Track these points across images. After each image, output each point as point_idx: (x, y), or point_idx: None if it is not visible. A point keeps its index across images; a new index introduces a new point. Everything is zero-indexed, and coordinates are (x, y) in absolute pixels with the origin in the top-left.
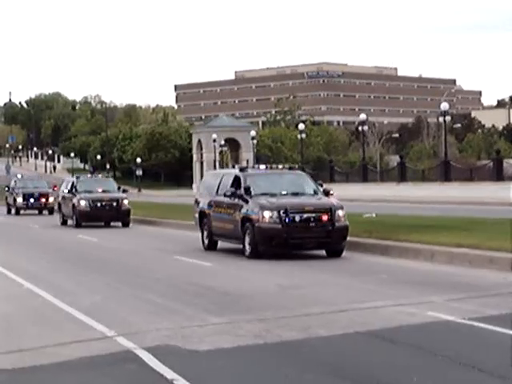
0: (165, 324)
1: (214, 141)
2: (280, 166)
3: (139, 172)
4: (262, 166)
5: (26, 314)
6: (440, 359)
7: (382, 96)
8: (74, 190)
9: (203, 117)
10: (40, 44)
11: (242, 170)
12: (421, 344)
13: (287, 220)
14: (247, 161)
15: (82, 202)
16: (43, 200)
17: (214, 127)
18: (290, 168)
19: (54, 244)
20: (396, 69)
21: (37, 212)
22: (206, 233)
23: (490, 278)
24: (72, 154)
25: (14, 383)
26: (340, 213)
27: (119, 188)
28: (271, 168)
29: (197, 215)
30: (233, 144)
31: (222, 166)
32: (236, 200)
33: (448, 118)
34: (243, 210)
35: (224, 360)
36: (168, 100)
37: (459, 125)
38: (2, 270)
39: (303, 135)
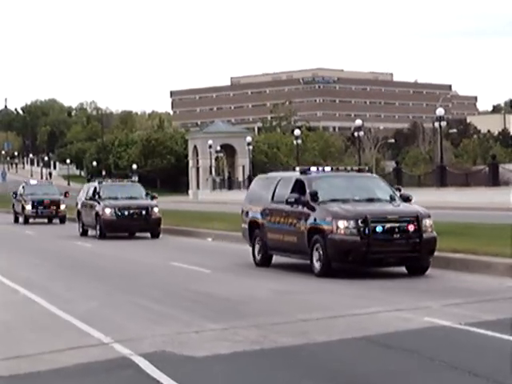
0: (161, 330)
1: (210, 147)
2: (348, 168)
3: (135, 178)
4: (327, 168)
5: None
6: (437, 364)
7: (377, 101)
8: (96, 196)
9: (199, 123)
10: (36, 51)
11: (303, 172)
12: (417, 349)
13: (367, 231)
14: (243, 167)
15: (107, 210)
16: (54, 208)
17: (209, 133)
18: (360, 170)
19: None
20: (392, 74)
21: (46, 221)
22: (258, 246)
23: (486, 284)
24: (68, 161)
25: None
26: (427, 222)
27: (147, 194)
28: (337, 170)
29: (246, 225)
30: (229, 150)
31: (217, 173)
32: (300, 208)
33: (444, 124)
34: (310, 220)
35: (221, 366)
36: (164, 106)
37: (455, 130)
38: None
39: (299, 141)
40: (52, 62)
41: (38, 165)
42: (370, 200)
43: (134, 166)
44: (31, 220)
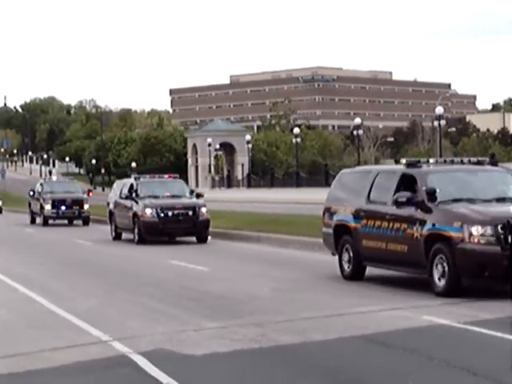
0: (160, 328)
1: (209, 145)
2: (465, 160)
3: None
4: (440, 160)
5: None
6: (435, 363)
7: (376, 100)
8: (133, 194)
9: (198, 121)
10: (35, 48)
11: (411, 165)
12: (416, 348)
13: (510, 239)
14: (242, 165)
15: (148, 211)
16: (77, 208)
17: (208, 131)
18: (479, 162)
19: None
20: (391, 73)
21: (66, 222)
22: (347, 255)
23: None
24: (67, 159)
25: None
26: None
27: (192, 192)
28: (452, 162)
29: (330, 230)
30: (228, 148)
31: (217, 171)
32: (412, 210)
33: (443, 122)
34: (428, 225)
35: (219, 364)
36: (163, 104)
37: (454, 129)
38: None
39: (298, 139)
40: (51, 60)
41: (37, 163)
42: (501, 200)
43: (134, 164)
44: (51, 221)
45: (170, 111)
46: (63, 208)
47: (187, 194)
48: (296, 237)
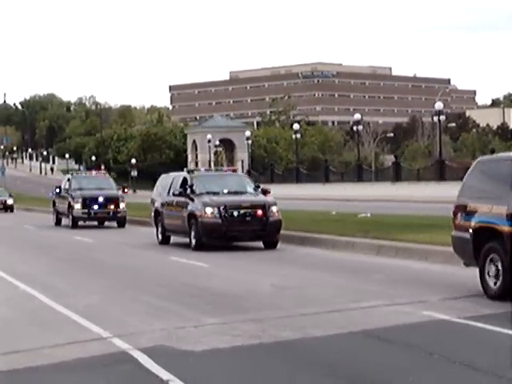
0: (160, 325)
1: (209, 141)
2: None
3: (134, 173)
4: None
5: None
6: (435, 358)
7: (376, 96)
8: (188, 190)
9: (198, 117)
10: (34, 45)
11: None
12: (416, 343)
13: None
14: (242, 161)
15: (209, 211)
16: (112, 207)
17: (208, 128)
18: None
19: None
20: (390, 68)
21: (95, 223)
22: (493, 268)
23: None
24: (67, 155)
25: None
26: None
27: (257, 187)
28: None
29: (467, 235)
30: (228, 144)
31: (216, 167)
32: None
33: (442, 118)
34: None
35: (219, 360)
36: (163, 101)
37: (454, 124)
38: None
39: (298, 135)
40: (51, 57)
41: (36, 160)
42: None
43: (133, 161)
44: (80, 223)
45: (170, 107)
46: (95, 207)
47: (250, 190)
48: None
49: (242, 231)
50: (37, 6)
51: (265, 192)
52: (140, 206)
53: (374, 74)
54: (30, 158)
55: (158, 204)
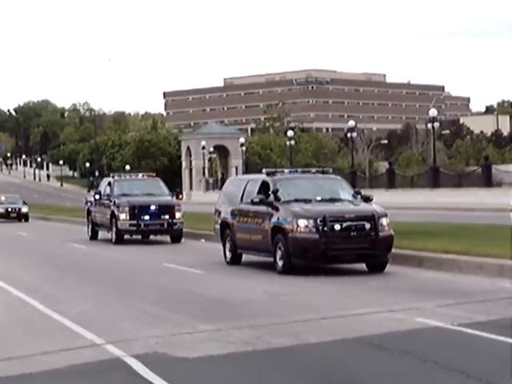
0: (154, 331)
1: (203, 148)
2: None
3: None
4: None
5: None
6: (429, 365)
7: (370, 102)
8: (271, 197)
9: (192, 124)
10: (28, 52)
11: None
12: (410, 350)
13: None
14: (236, 168)
15: (302, 223)
16: (166, 217)
17: (202, 134)
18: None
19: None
20: (385, 75)
21: (139, 236)
22: None
23: (478, 284)
24: (61, 162)
25: None
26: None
27: (357, 194)
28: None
29: None
30: (222, 151)
31: (211, 174)
32: None
33: (436, 125)
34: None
35: (213, 367)
36: (157, 107)
37: (448, 131)
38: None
39: (292, 142)
40: (45, 63)
41: (30, 166)
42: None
43: (127, 167)
44: (126, 236)
45: (164, 114)
46: (146, 218)
47: (348, 197)
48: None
49: (346, 250)
50: (31, 13)
51: (367, 199)
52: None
53: (368, 81)
54: (24, 165)
55: (225, 214)
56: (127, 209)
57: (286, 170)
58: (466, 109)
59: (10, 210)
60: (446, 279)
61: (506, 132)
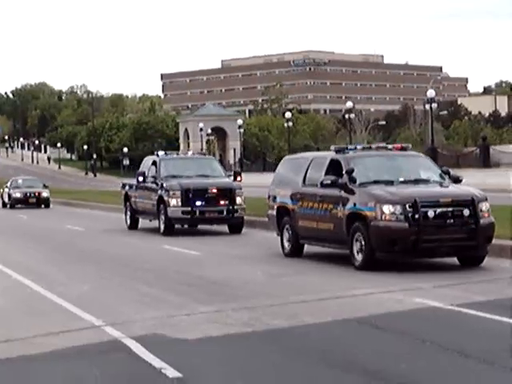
0: (153, 313)
1: (201, 130)
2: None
3: (126, 161)
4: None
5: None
6: (428, 345)
7: (368, 84)
8: (344, 178)
9: (190, 106)
10: (25, 34)
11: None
12: (409, 330)
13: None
14: (234, 150)
15: (388, 209)
16: (225, 203)
17: (200, 116)
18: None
19: None
20: (382, 56)
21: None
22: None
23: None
24: (58, 145)
25: (3, 373)
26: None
27: (446, 173)
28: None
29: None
30: (220, 133)
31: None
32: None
33: (434, 106)
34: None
35: (212, 348)
36: (154, 89)
37: (446, 112)
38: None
39: (290, 123)
40: (42, 46)
41: (28, 149)
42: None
43: (125, 150)
44: (177, 226)
45: (162, 96)
46: (200, 203)
47: (435, 178)
48: None
49: (441, 241)
50: None
51: (456, 180)
52: None
53: (365, 62)
54: (22, 147)
55: (283, 199)
56: (179, 193)
57: (359, 146)
58: (464, 89)
59: (28, 194)
60: (445, 259)
61: (503, 113)
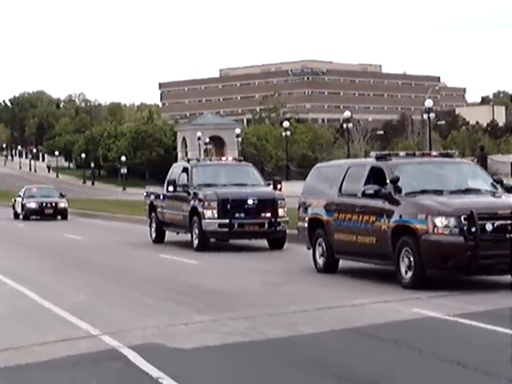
0: (150, 322)
1: (199, 139)
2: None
3: (124, 170)
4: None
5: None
6: (425, 355)
7: (366, 93)
8: (389, 187)
9: (188, 115)
10: (24, 42)
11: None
12: (406, 340)
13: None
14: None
15: (441, 221)
16: (267, 215)
17: (198, 125)
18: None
19: None
20: (380, 66)
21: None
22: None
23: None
24: (56, 153)
25: (0, 382)
26: None
27: (499, 183)
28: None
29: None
30: (218, 142)
31: None
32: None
33: (432, 115)
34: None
35: (209, 358)
36: (152, 98)
37: (443, 122)
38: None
39: (288, 133)
40: (40, 54)
41: (26, 157)
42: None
43: (123, 158)
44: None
45: (160, 105)
46: (239, 215)
47: (486, 187)
48: None
49: (499, 257)
50: (27, 3)
51: (510, 190)
52: None
53: (364, 72)
54: (20, 156)
55: (316, 210)
56: (215, 203)
57: (402, 153)
58: (462, 99)
59: (44, 204)
60: None
61: (501, 123)
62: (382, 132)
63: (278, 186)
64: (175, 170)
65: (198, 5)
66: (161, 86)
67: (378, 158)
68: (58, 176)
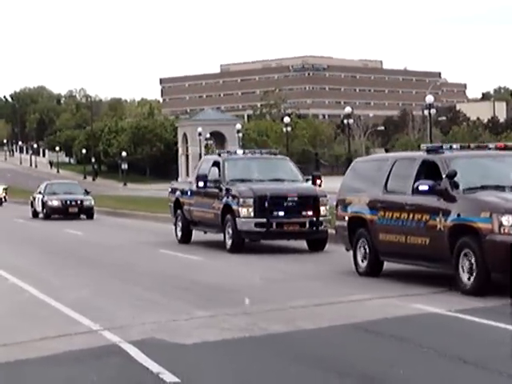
0: (150, 318)
1: (200, 134)
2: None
3: (124, 166)
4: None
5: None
6: (425, 351)
7: (367, 89)
8: (444, 183)
9: (188, 110)
10: (24, 38)
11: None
12: (406, 336)
13: None
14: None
15: (507, 221)
16: (309, 214)
17: (199, 121)
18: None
19: None
20: (381, 62)
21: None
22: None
23: None
24: (57, 148)
25: (0, 377)
26: None
27: None
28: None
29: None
30: (218, 137)
31: None
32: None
33: (433, 111)
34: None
35: (210, 353)
36: (153, 93)
37: (444, 118)
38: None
39: (288, 128)
40: (41, 49)
41: (27, 152)
42: None
43: (124, 154)
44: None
45: (161, 100)
46: (277, 214)
47: None
48: None
49: None
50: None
51: None
52: None
53: (364, 68)
54: (21, 151)
55: (357, 208)
56: (252, 201)
57: (455, 145)
58: (463, 95)
59: (69, 202)
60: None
61: (502, 118)
62: (382, 128)
63: (318, 182)
64: (204, 164)
65: (199, 0)
66: (161, 81)
67: (429, 151)
68: (58, 171)
